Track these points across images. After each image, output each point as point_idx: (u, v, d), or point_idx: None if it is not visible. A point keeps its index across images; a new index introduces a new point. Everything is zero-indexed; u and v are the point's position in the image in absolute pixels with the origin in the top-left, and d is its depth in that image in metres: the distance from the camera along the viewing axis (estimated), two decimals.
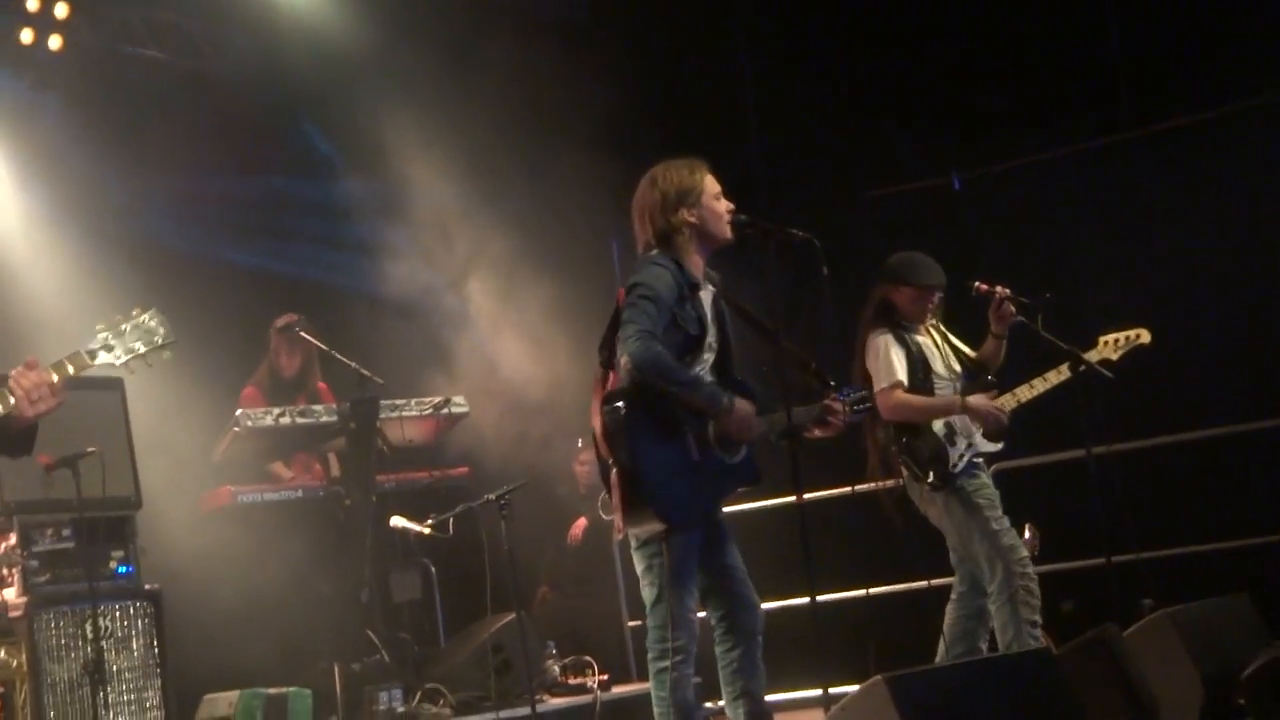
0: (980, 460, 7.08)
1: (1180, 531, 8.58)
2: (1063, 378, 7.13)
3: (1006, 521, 6.95)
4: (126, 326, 4.36)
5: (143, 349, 4.40)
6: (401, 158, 9.91)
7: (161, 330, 4.45)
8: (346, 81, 10.02)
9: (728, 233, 5.60)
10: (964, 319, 7.52)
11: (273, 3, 9.58)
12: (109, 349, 4.34)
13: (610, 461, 5.41)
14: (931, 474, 6.93)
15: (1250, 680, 5.80)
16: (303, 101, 10.27)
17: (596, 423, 5.46)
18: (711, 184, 5.64)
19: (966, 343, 7.31)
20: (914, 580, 7.96)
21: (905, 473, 7.01)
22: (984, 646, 7.03)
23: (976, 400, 6.96)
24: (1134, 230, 9.42)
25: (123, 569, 7.27)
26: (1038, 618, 6.83)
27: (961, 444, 7.00)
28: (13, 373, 4.23)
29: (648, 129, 9.83)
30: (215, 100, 9.91)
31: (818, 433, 5.84)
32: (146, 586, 7.30)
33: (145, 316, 4.42)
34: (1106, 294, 9.14)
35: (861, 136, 9.95)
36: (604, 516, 5.48)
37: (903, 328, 7.07)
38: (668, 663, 5.37)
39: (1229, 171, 9.22)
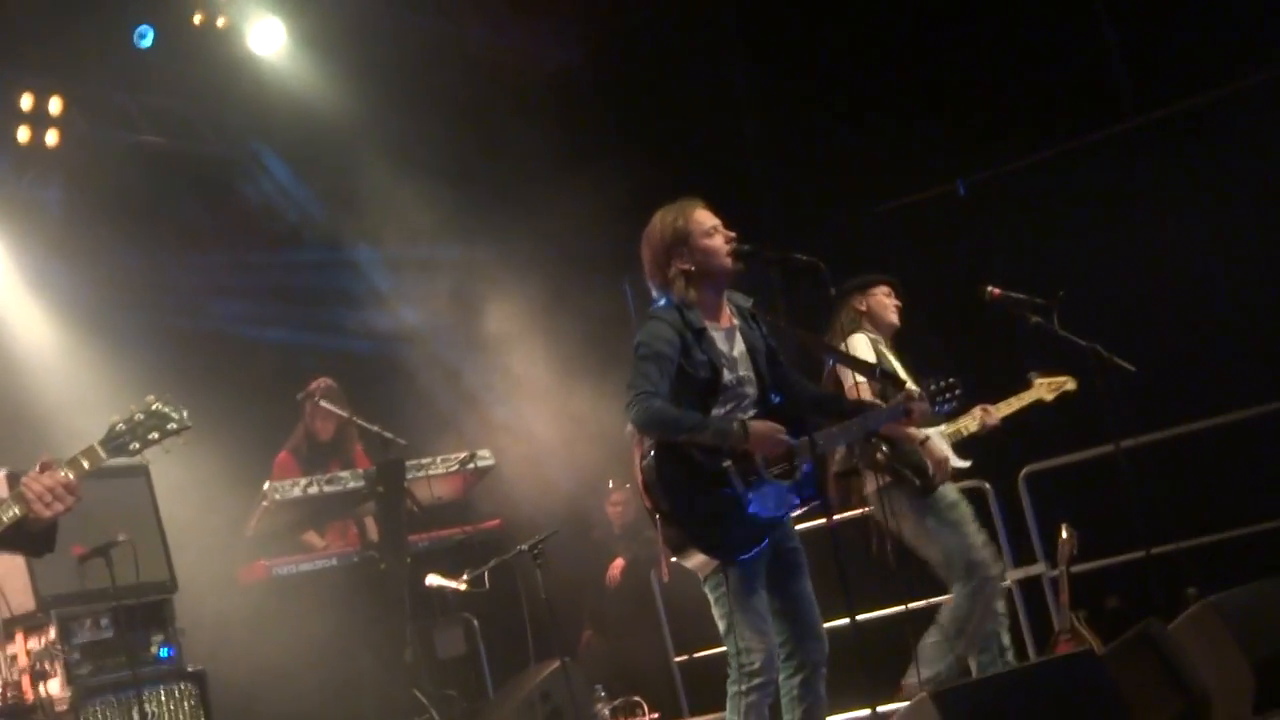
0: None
1: (1218, 517, 8.52)
2: (1024, 403, 7.30)
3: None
4: (140, 415, 4.35)
5: (157, 437, 4.39)
6: (407, 220, 9.95)
7: (175, 416, 4.44)
8: (346, 152, 10.05)
9: (727, 265, 5.56)
10: (980, 325, 7.51)
11: (265, 81, 9.61)
12: (124, 441, 4.33)
13: (654, 512, 5.44)
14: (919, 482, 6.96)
15: None
16: (303, 174, 10.31)
17: (638, 476, 5.51)
18: (702, 221, 5.61)
19: (967, 351, 7.37)
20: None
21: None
22: (1006, 639, 6.99)
23: (940, 454, 6.99)
24: (1144, 218, 9.38)
25: (164, 652, 7.30)
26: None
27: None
28: (26, 477, 4.22)
29: (652, 163, 9.86)
30: (216, 178, 9.95)
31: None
32: (189, 668, 7.32)
33: (158, 404, 4.41)
34: (1120, 286, 9.12)
35: (863, 150, 9.96)
36: (658, 575, 5.57)
37: (872, 337, 7.12)
38: (744, 685, 5.37)
39: (1234, 152, 9.18)
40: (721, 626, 5.44)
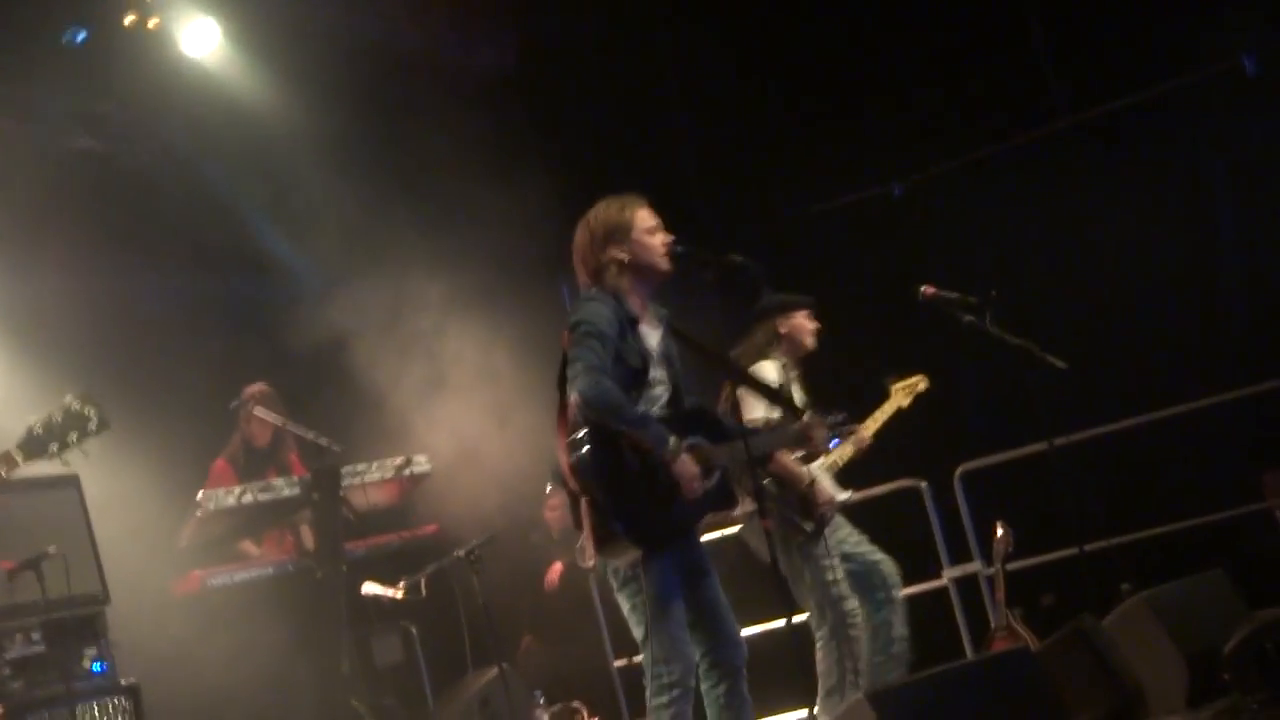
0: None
1: (1151, 513, 8.60)
2: (887, 413, 7.41)
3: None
4: (58, 417, 4.23)
5: (76, 438, 4.26)
6: (341, 223, 9.90)
7: (94, 415, 4.31)
8: (279, 155, 9.97)
9: (663, 265, 5.57)
10: (915, 326, 7.55)
11: (198, 83, 9.52)
12: (41, 443, 4.20)
13: (579, 495, 5.37)
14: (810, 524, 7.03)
15: (1232, 655, 5.78)
16: (237, 180, 10.21)
17: (564, 459, 5.43)
18: (644, 218, 5.61)
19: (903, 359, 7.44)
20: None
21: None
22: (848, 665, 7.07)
23: (824, 487, 7.07)
24: (1076, 218, 9.47)
25: (97, 666, 7.18)
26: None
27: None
28: None
29: (586, 165, 9.86)
30: (146, 185, 9.85)
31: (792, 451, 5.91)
32: (123, 681, 7.20)
33: (75, 403, 4.28)
34: (1052, 284, 9.19)
35: (797, 152, 10.00)
36: (581, 564, 5.49)
37: (782, 364, 7.18)
38: (665, 698, 5.33)
39: (1161, 153, 9.28)
40: (638, 635, 5.41)
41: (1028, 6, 9.88)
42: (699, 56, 10.68)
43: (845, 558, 7.11)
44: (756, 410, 6.75)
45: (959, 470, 8.82)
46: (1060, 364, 7.08)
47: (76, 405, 4.23)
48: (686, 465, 5.35)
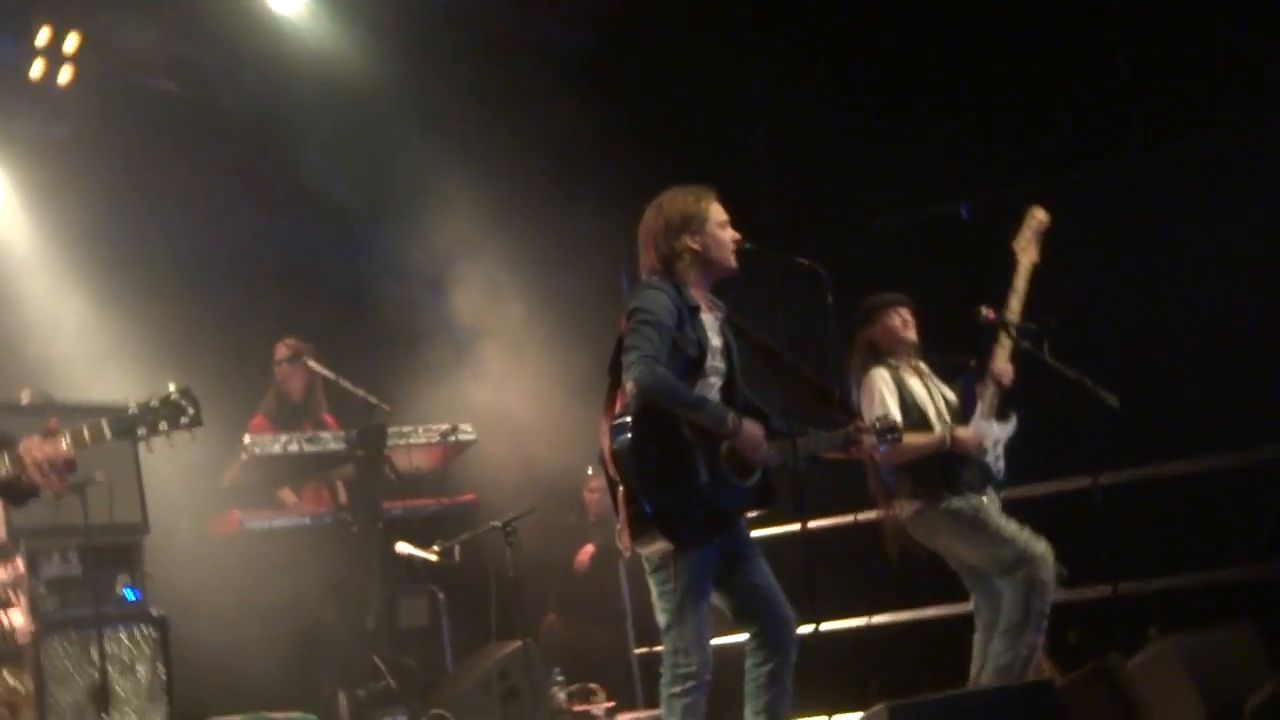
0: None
1: (1187, 560, 8.54)
2: (1025, 281, 7.33)
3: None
4: (155, 403, 4.21)
5: (167, 428, 4.25)
6: (411, 189, 9.96)
7: (191, 410, 4.30)
8: (359, 115, 10.05)
9: (731, 261, 5.63)
10: (971, 348, 7.53)
11: (285, 36, 9.59)
12: (132, 425, 4.18)
13: (618, 482, 5.42)
14: (990, 490, 7.00)
15: (1255, 713, 5.76)
16: (314, 135, 10.29)
17: (605, 444, 5.48)
18: (717, 212, 5.65)
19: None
20: (917, 608, 7.95)
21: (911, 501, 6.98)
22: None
23: (962, 432, 6.98)
24: (1144, 253, 9.41)
25: (129, 594, 7.31)
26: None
27: (991, 447, 7.06)
28: (27, 441, 4.07)
29: (656, 156, 9.86)
30: (226, 133, 9.94)
31: (839, 456, 5.94)
32: (153, 611, 7.33)
33: (176, 395, 4.26)
34: (1113, 319, 9.14)
35: (870, 164, 9.97)
36: (620, 548, 5.56)
37: (891, 366, 7.10)
38: (679, 688, 5.36)
39: (1239, 194, 9.20)
40: (662, 621, 5.44)
41: (1114, 36, 9.83)
42: (777, 62, 10.68)
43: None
44: (878, 408, 6.81)
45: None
46: (1113, 401, 7.04)
47: (176, 396, 4.22)
48: (750, 431, 5.42)
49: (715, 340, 5.61)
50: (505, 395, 9.71)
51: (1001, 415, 7.13)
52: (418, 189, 9.94)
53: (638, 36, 10.77)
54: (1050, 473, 8.68)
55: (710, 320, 5.62)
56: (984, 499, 6.96)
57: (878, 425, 6.11)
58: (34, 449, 4.04)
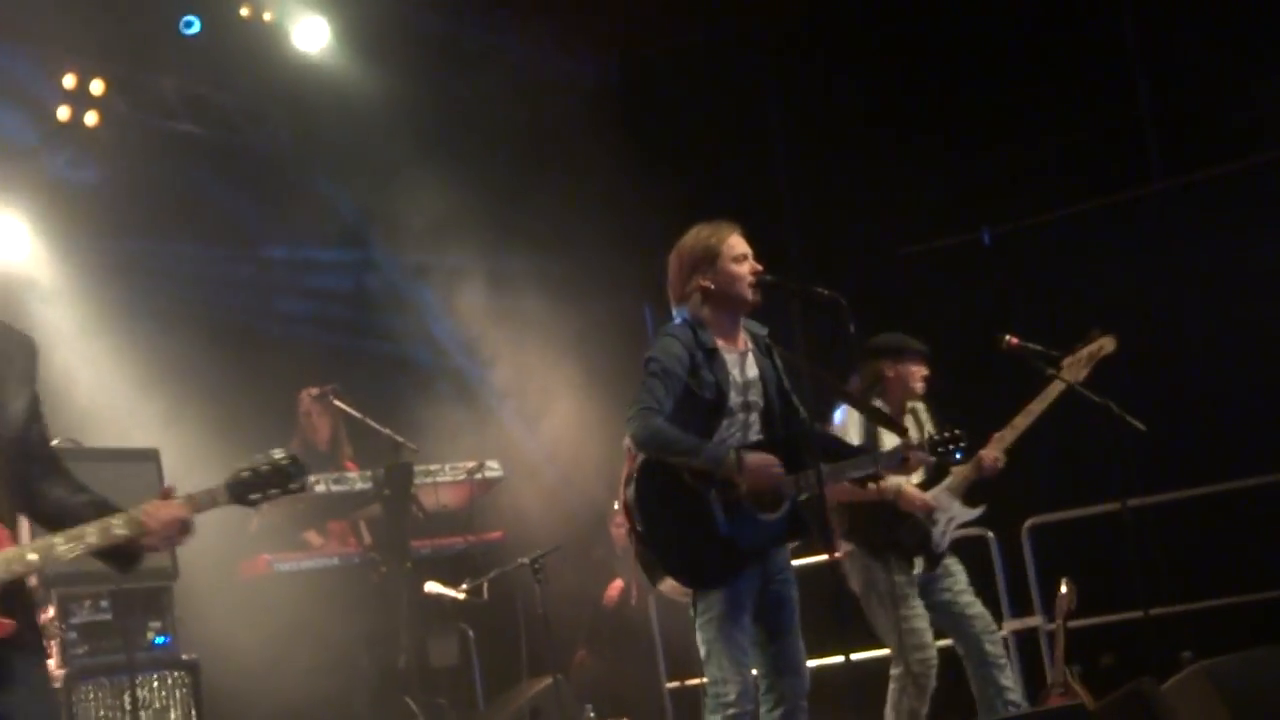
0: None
1: (1219, 582, 8.51)
2: (1048, 402, 7.06)
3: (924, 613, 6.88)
4: (265, 467, 4.21)
5: (277, 493, 4.26)
6: (435, 225, 10.00)
7: (298, 477, 4.30)
8: (382, 152, 10.11)
9: (747, 296, 5.57)
10: (995, 374, 7.52)
11: (307, 75, 9.68)
12: (244, 490, 4.17)
13: (630, 531, 5.48)
14: (919, 561, 6.91)
15: None
16: (337, 172, 10.37)
17: (621, 495, 5.53)
18: (734, 246, 5.61)
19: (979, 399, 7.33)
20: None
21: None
22: (1006, 679, 6.92)
23: (912, 490, 6.91)
24: (1165, 280, 9.41)
25: (160, 639, 7.31)
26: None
27: (942, 520, 6.98)
28: (148, 505, 4.02)
29: (679, 190, 9.90)
30: (250, 171, 10.01)
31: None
32: (184, 656, 7.33)
33: (283, 460, 4.26)
34: (1136, 344, 9.11)
35: (891, 193, 9.99)
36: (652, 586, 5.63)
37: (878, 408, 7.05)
38: (719, 717, 5.36)
39: (1259, 222, 9.21)
40: (702, 652, 5.44)
41: (1135, 67, 9.85)
42: (800, 92, 10.73)
43: (941, 605, 7.02)
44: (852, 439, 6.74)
45: (1027, 523, 8.78)
46: (1139, 425, 7.02)
47: (285, 463, 4.22)
48: (756, 467, 5.34)
49: (747, 373, 5.58)
50: (531, 432, 9.72)
51: (969, 499, 7.09)
52: (441, 225, 9.97)
53: (659, 70, 10.83)
54: (1079, 498, 8.67)
55: (733, 357, 5.58)
56: (911, 570, 6.90)
57: (932, 439, 5.96)
58: (156, 512, 4.01)
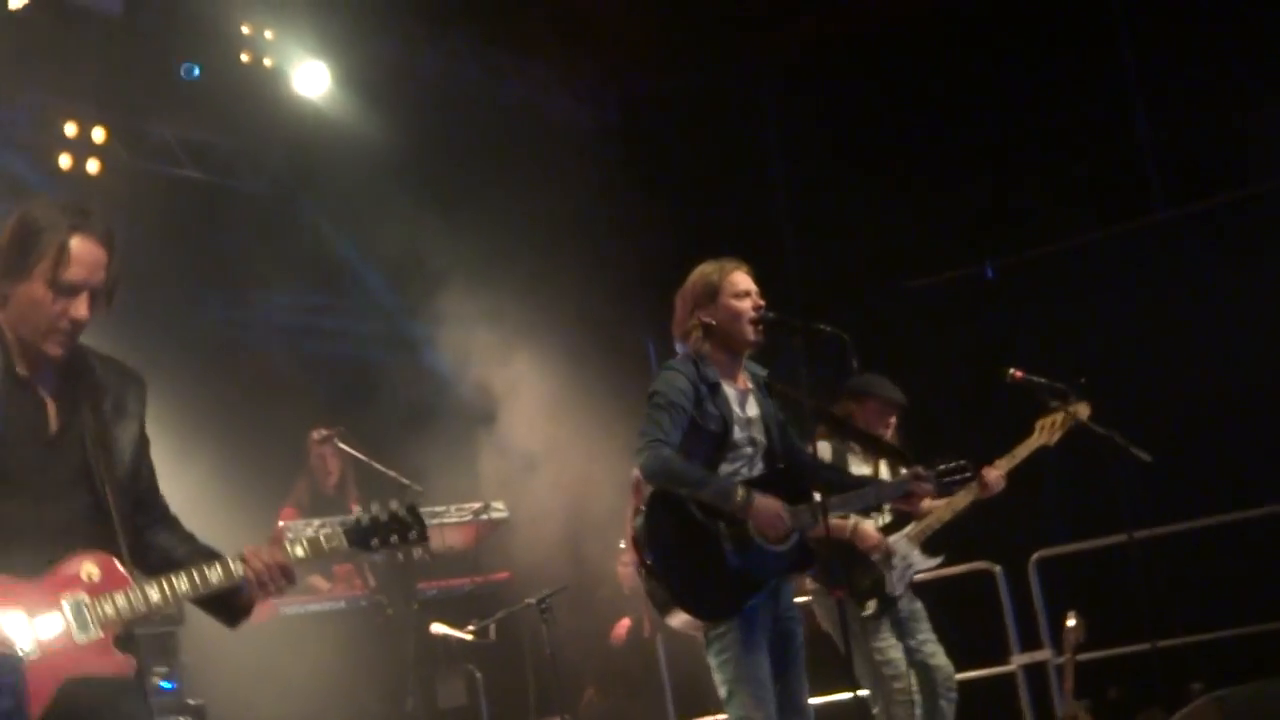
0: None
1: (1227, 614, 8.48)
2: (1040, 442, 7.05)
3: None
4: (384, 516, 4.09)
5: (397, 541, 4.12)
6: (436, 266, 10.01)
7: (418, 527, 4.19)
8: (382, 195, 10.13)
9: (747, 334, 5.59)
10: (999, 407, 7.52)
11: (307, 120, 9.71)
12: (365, 536, 4.04)
13: (641, 564, 5.46)
14: (872, 605, 6.88)
15: None
16: (338, 216, 10.39)
17: (628, 529, 5.53)
18: (736, 283, 5.63)
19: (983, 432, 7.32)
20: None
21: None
22: None
23: (869, 530, 6.88)
24: (1168, 311, 9.41)
25: (166, 685, 7.29)
26: None
27: (900, 565, 6.95)
28: (250, 548, 3.87)
29: (681, 228, 9.93)
30: (251, 216, 10.04)
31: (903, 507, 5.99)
32: (190, 702, 7.31)
33: (402, 510, 4.16)
34: (1141, 376, 9.12)
35: (894, 226, 10.01)
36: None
37: (845, 447, 7.03)
38: None
39: (1261, 251, 9.22)
40: (723, 693, 5.43)
41: (1134, 99, 9.88)
42: (801, 126, 10.76)
43: (905, 651, 6.94)
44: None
45: (1034, 557, 8.75)
46: (1145, 457, 7.00)
47: (403, 513, 4.12)
48: (764, 505, 5.35)
49: (748, 411, 5.60)
50: (536, 472, 9.72)
51: (930, 548, 7.07)
52: (443, 267, 9.99)
53: (659, 108, 10.87)
54: (1086, 531, 8.64)
55: (735, 393, 5.60)
56: (864, 611, 6.87)
57: (941, 467, 5.96)
58: (259, 556, 3.85)
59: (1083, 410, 7.07)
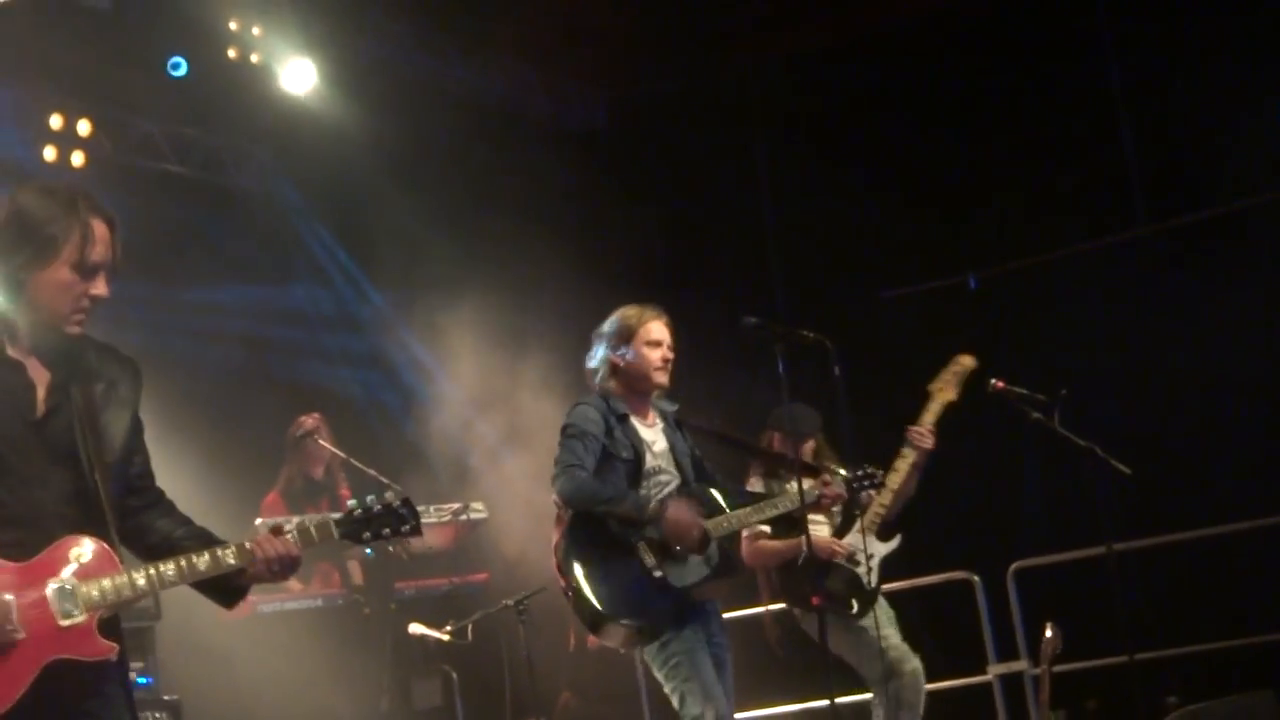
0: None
1: (1204, 627, 8.51)
2: (944, 400, 7.22)
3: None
4: (378, 508, 4.13)
5: (389, 534, 4.18)
6: (419, 269, 10.01)
7: (411, 519, 4.22)
8: (368, 193, 10.13)
9: (654, 379, 5.83)
10: (982, 417, 7.53)
11: (294, 116, 9.69)
12: (357, 529, 4.09)
13: (567, 589, 5.62)
14: (855, 603, 6.97)
15: None
16: (324, 212, 10.38)
17: (555, 560, 5.70)
18: (650, 331, 5.86)
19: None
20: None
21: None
22: None
23: (821, 539, 7.00)
24: (1150, 325, 9.44)
25: (142, 680, 7.26)
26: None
27: (864, 560, 7.06)
28: (259, 537, 3.94)
29: (665, 233, 9.93)
30: (236, 213, 10.02)
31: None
32: (166, 697, 7.29)
33: (397, 501, 4.19)
34: (1122, 388, 9.15)
35: (877, 236, 10.03)
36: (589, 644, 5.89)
37: (776, 477, 7.08)
38: None
39: (1243, 266, 9.25)
40: (676, 700, 5.59)
41: (1120, 113, 9.90)
42: (786, 135, 10.77)
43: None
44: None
45: (1013, 567, 8.77)
46: (1125, 469, 7.03)
47: (397, 504, 4.15)
48: (677, 509, 5.58)
49: (658, 444, 5.83)
50: (515, 472, 9.69)
51: (884, 533, 7.19)
52: (427, 266, 9.99)
53: (646, 113, 10.87)
54: (1064, 542, 8.67)
55: (644, 427, 5.83)
56: (849, 614, 6.98)
57: (847, 478, 6.26)
58: (266, 545, 3.91)
59: (968, 361, 7.29)
